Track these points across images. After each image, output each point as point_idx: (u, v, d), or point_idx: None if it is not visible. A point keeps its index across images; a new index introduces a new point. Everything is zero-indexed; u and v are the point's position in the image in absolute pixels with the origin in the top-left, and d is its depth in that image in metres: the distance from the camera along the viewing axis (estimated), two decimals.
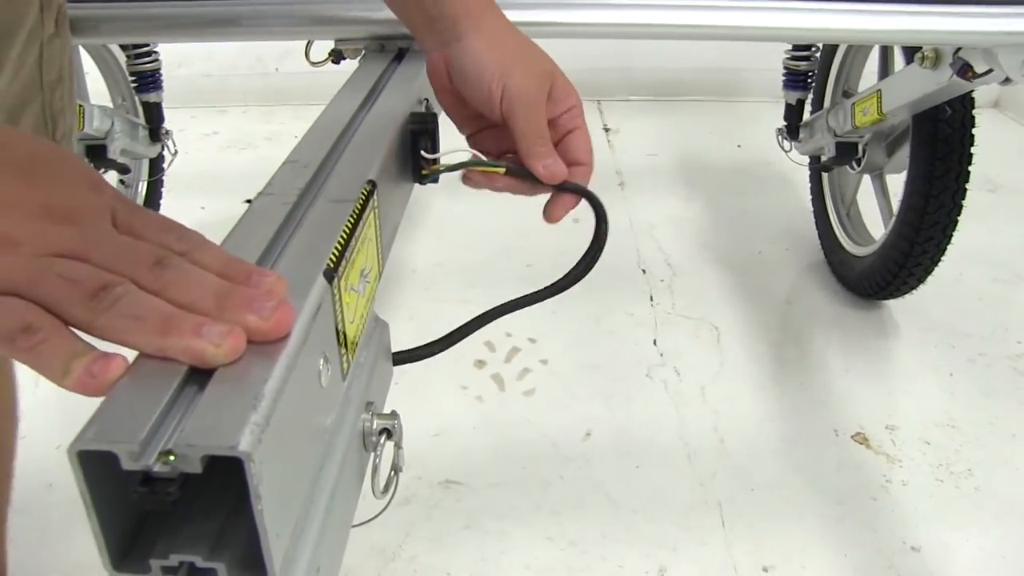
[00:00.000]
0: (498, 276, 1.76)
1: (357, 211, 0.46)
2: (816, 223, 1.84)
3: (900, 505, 1.24)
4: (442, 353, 0.60)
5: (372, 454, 0.47)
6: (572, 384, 1.47)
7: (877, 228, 1.63)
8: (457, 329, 0.61)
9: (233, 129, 2.69)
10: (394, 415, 0.47)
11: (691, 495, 1.25)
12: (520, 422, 1.38)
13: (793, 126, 1.64)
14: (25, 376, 1.49)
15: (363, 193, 0.48)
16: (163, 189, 1.90)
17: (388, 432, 0.46)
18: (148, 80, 1.58)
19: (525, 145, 0.60)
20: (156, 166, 1.84)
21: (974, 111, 1.34)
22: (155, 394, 0.32)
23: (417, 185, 0.64)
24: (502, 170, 0.59)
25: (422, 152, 0.60)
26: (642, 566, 1.13)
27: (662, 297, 1.72)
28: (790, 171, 2.08)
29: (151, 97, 1.61)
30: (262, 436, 0.31)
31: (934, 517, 1.22)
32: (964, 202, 1.38)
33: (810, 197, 1.87)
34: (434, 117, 0.63)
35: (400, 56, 0.79)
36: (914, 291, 1.53)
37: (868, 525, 1.21)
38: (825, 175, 1.76)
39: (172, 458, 0.30)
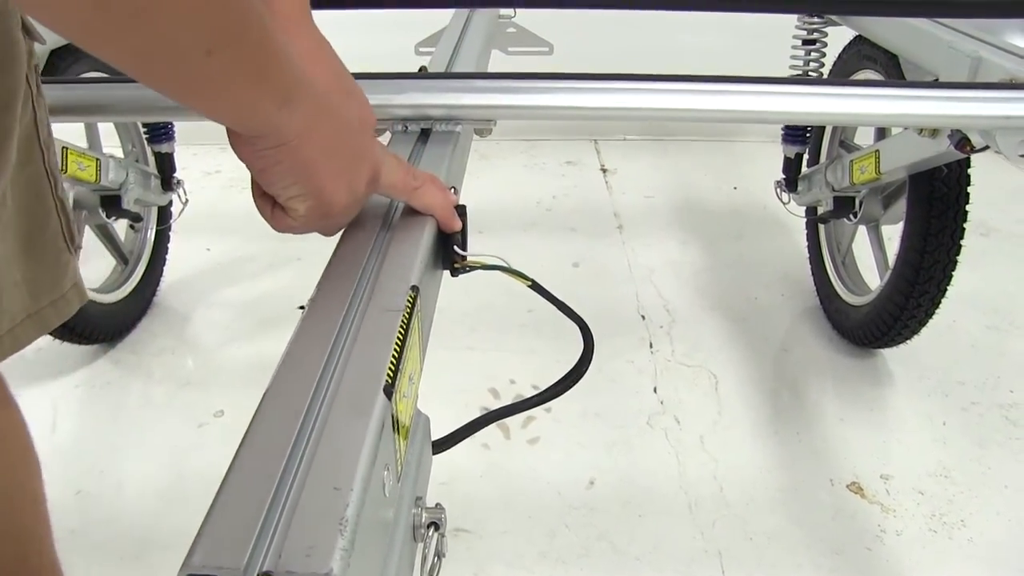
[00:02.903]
0: (501, 322, 1.79)
1: (405, 321, 0.50)
2: (812, 271, 1.89)
3: (895, 555, 1.28)
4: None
5: (421, 544, 0.50)
6: (575, 432, 1.50)
7: (872, 277, 1.68)
8: (486, 415, 0.65)
9: (235, 167, 2.68)
10: (440, 508, 0.50)
11: (692, 544, 1.29)
12: (525, 470, 1.41)
13: (791, 179, 1.69)
14: (42, 423, 1.52)
15: (408, 301, 0.52)
16: (171, 233, 1.94)
17: (436, 525, 0.49)
18: (160, 132, 1.62)
19: (401, 181, 0.66)
20: (165, 213, 1.88)
21: (969, 169, 1.39)
22: (250, 514, 0.36)
23: None
24: (528, 283, 0.63)
25: (455, 248, 0.64)
26: None
27: (661, 344, 1.76)
28: (786, 215, 2.12)
29: (163, 148, 1.65)
30: (349, 560, 0.34)
31: (928, 567, 1.25)
32: (959, 256, 1.43)
33: (806, 244, 1.92)
34: (463, 209, 0.67)
35: (425, 136, 0.83)
36: (908, 340, 1.58)
37: (863, 574, 1.24)
38: (821, 225, 1.81)
39: None
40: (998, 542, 1.30)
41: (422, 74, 0.92)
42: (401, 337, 0.48)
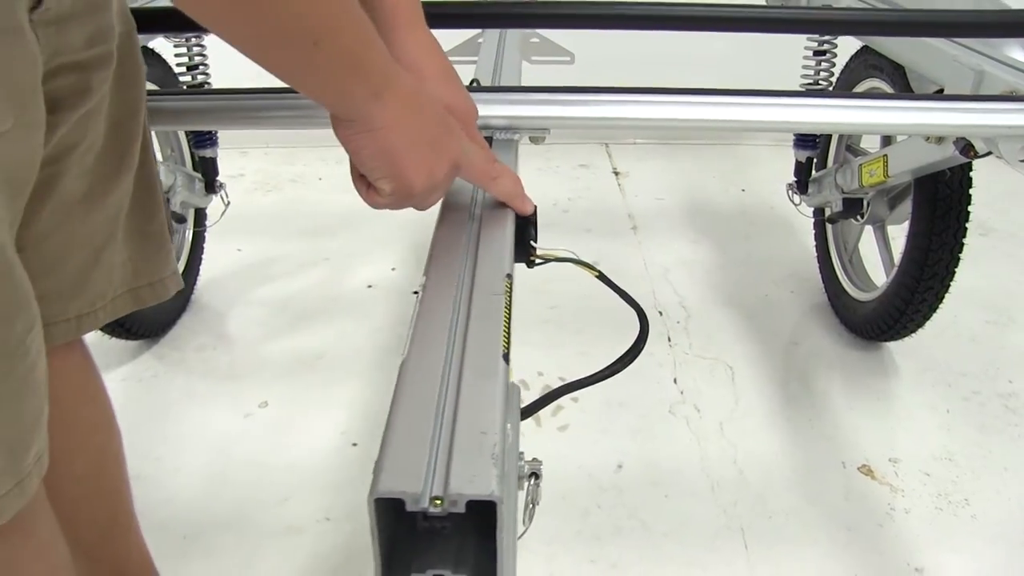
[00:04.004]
0: (526, 318, 1.88)
1: (507, 303, 0.59)
2: (820, 269, 1.98)
3: (904, 531, 1.37)
4: None
5: (523, 492, 0.59)
6: (602, 420, 1.59)
7: (878, 274, 1.78)
8: (561, 387, 0.74)
9: (258, 171, 2.81)
10: (538, 462, 0.60)
11: (716, 521, 1.38)
12: (557, 455, 1.50)
13: (803, 182, 1.79)
14: None
15: (507, 287, 0.61)
16: (206, 234, 2.03)
17: (536, 475, 0.59)
18: (205, 138, 1.71)
19: (483, 172, 0.75)
20: (200, 215, 1.97)
21: (971, 172, 1.49)
22: (416, 453, 0.45)
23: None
24: (595, 273, 0.72)
25: (532, 242, 0.73)
26: None
27: (679, 338, 1.85)
28: (792, 216, 2.23)
29: (207, 152, 1.74)
30: (503, 486, 0.43)
31: (935, 542, 1.35)
32: (961, 254, 1.53)
33: (813, 243, 2.01)
34: (535, 209, 0.76)
35: (488, 143, 0.92)
36: (913, 334, 1.68)
37: (875, 549, 1.33)
38: (829, 225, 1.91)
39: (440, 503, 0.43)
40: (999, 519, 1.40)
41: (483, 87, 1.02)
42: (507, 316, 0.58)
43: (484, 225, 0.72)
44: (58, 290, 0.76)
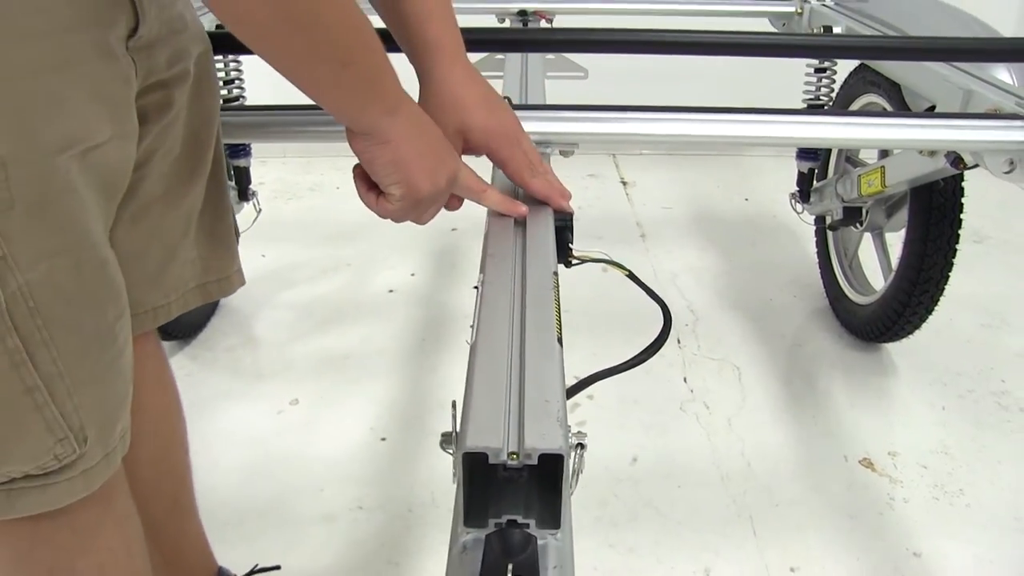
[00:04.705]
0: None
1: (556, 296, 0.69)
2: (821, 274, 2.08)
3: (903, 519, 1.46)
4: None
5: (570, 460, 0.68)
6: (617, 417, 1.69)
7: (877, 279, 1.87)
8: (588, 377, 0.82)
9: (277, 180, 2.91)
10: (583, 434, 0.69)
11: (726, 510, 1.47)
12: None
13: (805, 191, 1.89)
14: None
15: (554, 283, 0.71)
16: None
17: (582, 445, 0.68)
18: (240, 149, 1.81)
19: (523, 174, 0.86)
20: None
21: (963, 183, 1.59)
22: (493, 416, 0.54)
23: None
24: (625, 272, 0.82)
25: (569, 245, 0.83)
26: (691, 568, 1.34)
27: (688, 340, 1.94)
28: (794, 223, 2.33)
29: (241, 162, 1.83)
30: (568, 444, 0.53)
31: (932, 529, 1.44)
32: (955, 259, 1.62)
33: (815, 250, 2.11)
34: (571, 216, 0.86)
35: None
36: (911, 335, 1.77)
37: (876, 535, 1.42)
38: (830, 232, 2.00)
39: (516, 456, 0.52)
40: (993, 508, 1.49)
41: (516, 106, 1.11)
42: (557, 307, 0.67)
43: (528, 230, 0.81)
44: (137, 283, 0.84)
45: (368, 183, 0.78)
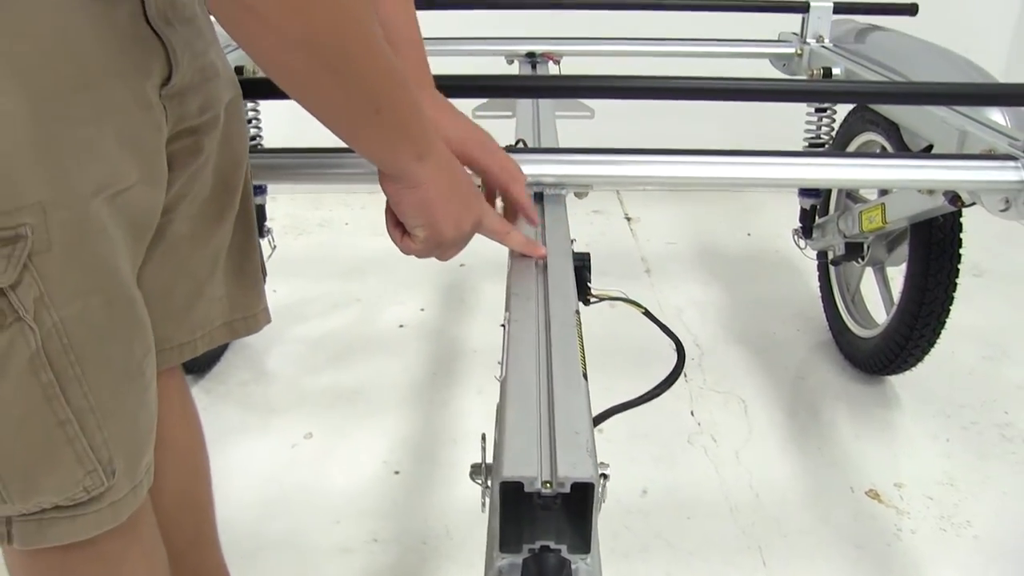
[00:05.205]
0: None
1: (579, 333, 0.72)
2: (824, 308, 2.12)
3: (911, 549, 1.48)
4: None
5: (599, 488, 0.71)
6: (626, 450, 1.71)
7: (879, 312, 1.91)
8: (607, 411, 0.86)
9: (287, 215, 2.95)
10: (606, 464, 0.72)
11: (736, 541, 1.49)
12: None
13: (807, 227, 1.93)
14: None
15: (577, 320, 0.74)
16: None
17: (605, 476, 0.71)
18: (257, 187, 1.85)
19: (504, 179, 0.92)
20: None
21: (962, 218, 1.63)
22: (527, 447, 0.58)
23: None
24: (641, 310, 0.85)
25: (587, 283, 0.87)
26: None
27: (694, 374, 1.98)
28: (797, 258, 2.37)
29: (258, 200, 1.87)
30: (597, 472, 0.56)
31: (940, 560, 1.46)
32: (955, 293, 1.66)
33: (817, 284, 2.15)
34: (588, 256, 0.90)
35: (539, 198, 1.05)
36: (913, 367, 1.80)
37: (885, 566, 1.45)
38: (832, 267, 2.04)
39: (550, 485, 0.55)
40: (1000, 539, 1.51)
41: (531, 148, 1.16)
42: (580, 343, 0.71)
43: (550, 269, 0.85)
44: (164, 320, 0.87)
45: (396, 219, 0.82)
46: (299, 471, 1.67)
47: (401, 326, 2.20)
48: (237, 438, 1.77)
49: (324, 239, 2.79)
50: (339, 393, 1.92)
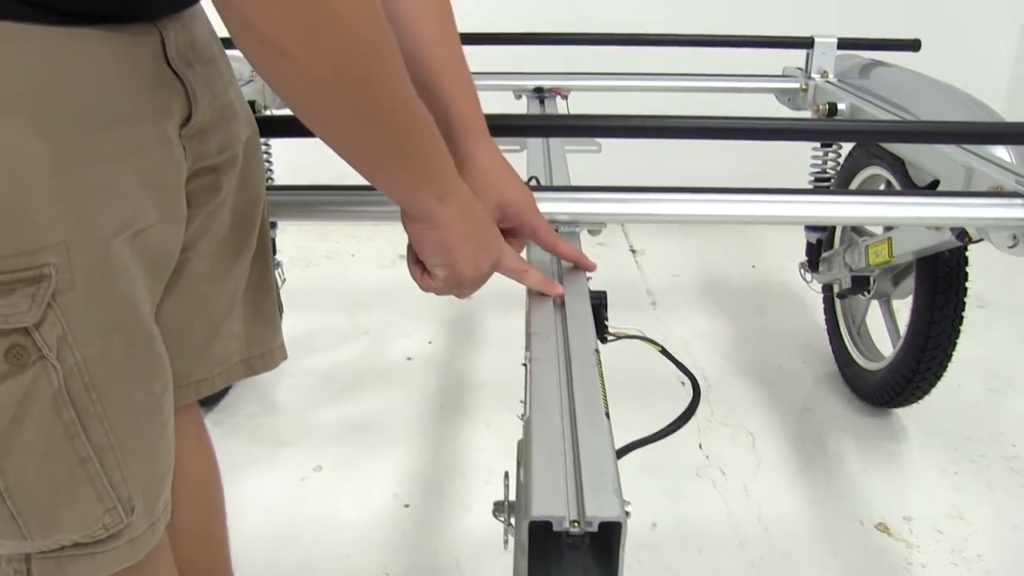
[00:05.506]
0: None
1: (599, 371, 0.74)
2: (830, 340, 2.13)
3: None
4: None
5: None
6: (635, 483, 1.71)
7: (885, 345, 1.92)
8: (625, 446, 0.87)
9: (293, 247, 2.97)
10: (626, 501, 0.73)
11: (746, 574, 1.49)
12: None
13: (813, 261, 1.95)
14: None
15: (597, 359, 0.76)
16: None
17: (627, 513, 0.72)
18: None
19: (552, 239, 0.95)
20: None
21: (968, 252, 1.65)
22: (555, 487, 0.59)
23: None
24: (658, 348, 0.87)
25: (605, 322, 0.88)
26: None
27: (702, 407, 1.97)
28: (802, 291, 2.39)
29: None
30: (624, 511, 0.57)
31: None
32: (961, 326, 1.67)
33: (823, 317, 2.16)
34: (605, 295, 0.91)
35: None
36: (920, 400, 1.81)
37: None
38: (838, 300, 2.06)
39: (578, 524, 0.56)
40: (1012, 573, 1.51)
41: (545, 187, 1.18)
42: (601, 382, 0.72)
43: (568, 309, 0.86)
44: (182, 357, 0.88)
45: (416, 257, 0.84)
46: (309, 504, 1.68)
47: (409, 359, 2.21)
48: (246, 471, 1.78)
49: (331, 271, 2.81)
50: (348, 426, 1.92)
